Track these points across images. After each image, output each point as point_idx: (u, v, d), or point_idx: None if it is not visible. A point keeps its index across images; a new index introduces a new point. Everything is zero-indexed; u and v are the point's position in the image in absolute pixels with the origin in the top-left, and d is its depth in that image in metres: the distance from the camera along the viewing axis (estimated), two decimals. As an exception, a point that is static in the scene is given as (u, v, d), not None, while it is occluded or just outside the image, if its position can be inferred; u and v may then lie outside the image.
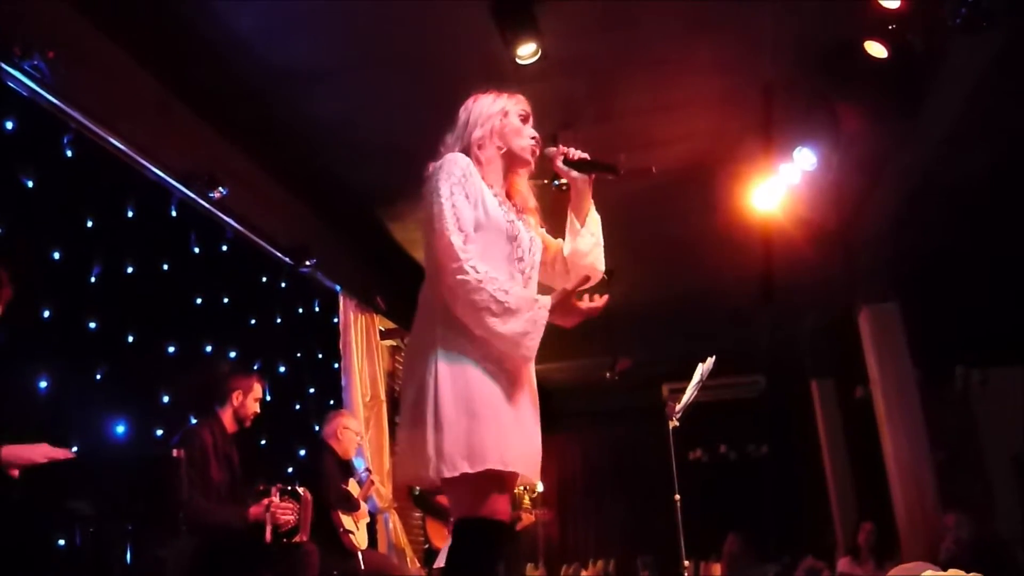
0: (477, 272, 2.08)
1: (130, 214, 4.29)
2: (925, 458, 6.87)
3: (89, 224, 3.97)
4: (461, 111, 2.42)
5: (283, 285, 5.92)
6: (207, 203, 4.66)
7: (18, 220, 3.50)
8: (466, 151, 2.32)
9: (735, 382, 10.07)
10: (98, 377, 3.90)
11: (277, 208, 5.61)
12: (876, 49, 4.29)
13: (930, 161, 5.36)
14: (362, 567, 4.85)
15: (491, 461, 2.05)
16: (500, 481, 2.11)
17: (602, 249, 2.46)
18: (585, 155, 2.37)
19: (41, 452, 2.71)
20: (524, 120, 2.40)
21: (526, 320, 2.11)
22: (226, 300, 5.13)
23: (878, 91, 4.51)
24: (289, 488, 3.84)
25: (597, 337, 8.27)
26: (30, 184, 3.57)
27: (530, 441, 2.22)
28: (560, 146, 2.37)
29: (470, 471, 2.03)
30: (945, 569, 3.94)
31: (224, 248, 5.12)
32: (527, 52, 4.35)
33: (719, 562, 8.21)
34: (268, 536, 3.63)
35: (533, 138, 2.39)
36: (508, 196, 2.38)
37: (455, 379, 2.10)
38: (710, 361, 4.31)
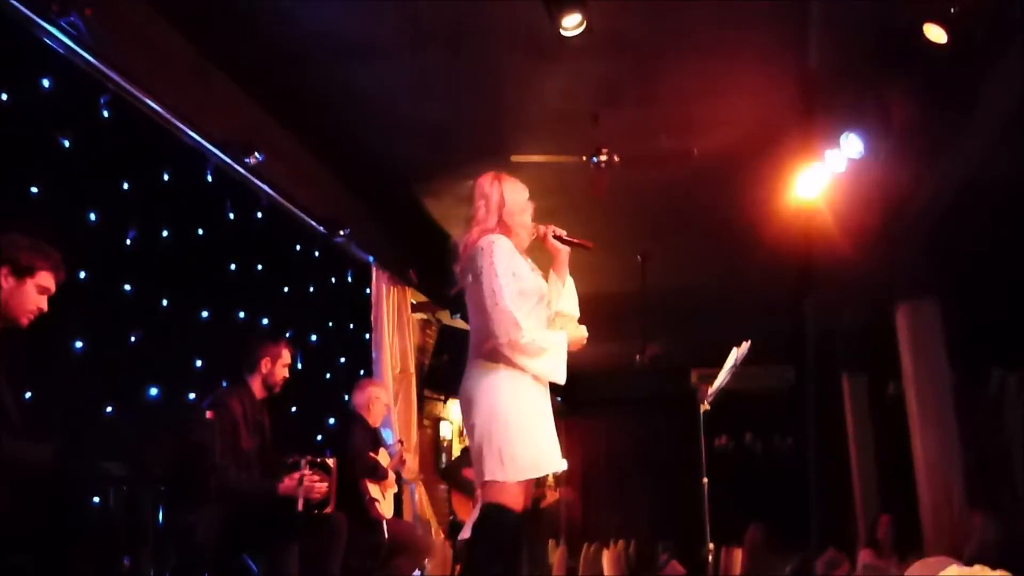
0: (530, 335, 2.85)
1: (166, 178, 4.29)
2: (955, 458, 6.77)
3: (125, 187, 3.97)
4: (488, 186, 3.09)
5: (316, 255, 5.94)
6: (243, 170, 4.66)
7: (54, 180, 3.51)
8: (500, 224, 3.02)
9: (765, 372, 9.97)
10: (132, 340, 3.92)
11: (312, 178, 5.61)
12: (935, 33, 4.07)
13: (982, 156, 5.20)
14: (387, 536, 4.89)
15: (531, 472, 2.87)
16: (523, 485, 2.86)
17: (575, 300, 3.19)
18: (563, 233, 3.14)
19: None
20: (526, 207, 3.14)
21: (558, 356, 2.93)
22: (260, 268, 5.14)
23: (934, 79, 4.34)
24: (319, 460, 3.85)
25: (627, 321, 8.22)
26: (67, 144, 3.56)
27: (555, 441, 2.96)
28: (551, 227, 3.13)
29: (512, 481, 2.80)
30: (970, 566, 3.89)
31: (259, 216, 5.13)
32: (572, 23, 4.21)
33: (740, 548, 8.16)
34: (300, 507, 3.65)
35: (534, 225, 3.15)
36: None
37: (503, 413, 2.85)
38: (745, 346, 4.27)
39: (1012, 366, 8.34)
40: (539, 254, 3.20)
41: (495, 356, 2.88)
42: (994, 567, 3.63)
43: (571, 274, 3.22)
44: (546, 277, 3.14)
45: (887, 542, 7.19)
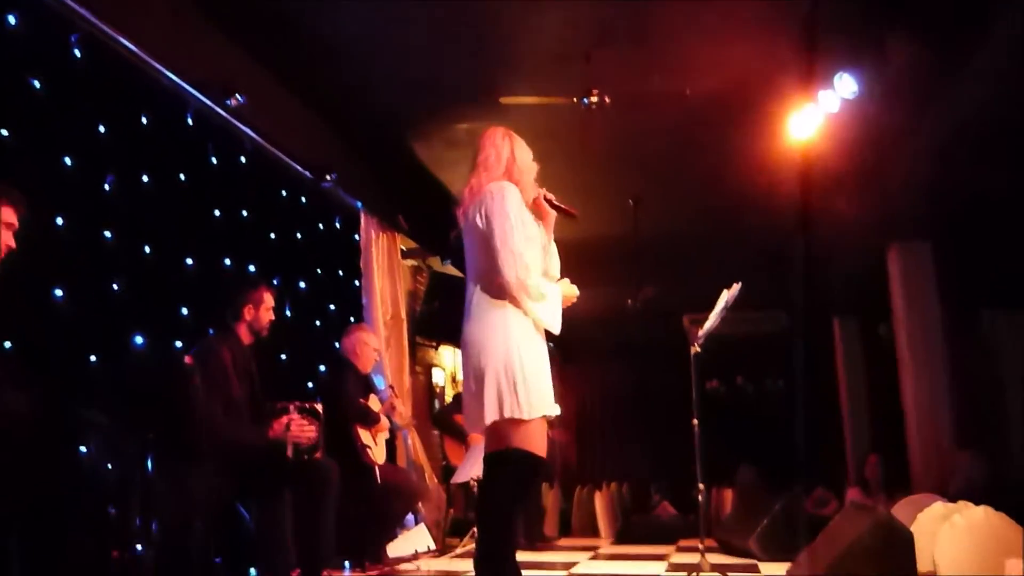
0: (535, 276, 2.93)
1: (144, 121, 4.18)
2: (944, 397, 6.83)
3: (101, 130, 3.87)
4: (500, 138, 3.13)
5: (303, 200, 5.86)
6: (225, 113, 4.55)
7: (26, 124, 3.40)
8: (506, 177, 3.05)
9: (757, 317, 9.98)
10: (115, 288, 3.86)
11: (296, 122, 5.50)
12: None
13: (980, 98, 5.11)
14: (379, 481, 4.91)
15: (545, 410, 2.87)
16: (543, 427, 2.91)
17: (558, 263, 3.20)
18: (552, 197, 3.16)
19: None
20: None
21: (556, 305, 3.00)
22: (245, 214, 5.07)
23: (931, 18, 4.24)
24: (307, 405, 3.83)
25: (619, 266, 8.19)
26: (37, 85, 3.45)
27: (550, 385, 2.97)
28: (542, 190, 3.15)
29: (527, 418, 2.82)
30: (955, 502, 3.93)
31: (243, 161, 5.04)
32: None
33: (731, 488, 8.28)
34: (289, 452, 3.65)
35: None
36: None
37: (528, 351, 2.87)
38: (736, 287, 4.25)
39: (1002, 307, 8.36)
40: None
41: (501, 297, 2.92)
42: (978, 504, 3.67)
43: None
44: None
45: (875, 481, 7.30)
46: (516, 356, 2.85)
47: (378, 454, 5.10)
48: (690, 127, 5.95)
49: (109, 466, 2.80)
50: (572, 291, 3.19)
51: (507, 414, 2.82)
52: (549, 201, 3.14)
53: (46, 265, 3.36)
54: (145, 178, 4.17)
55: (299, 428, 3.69)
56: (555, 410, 2.95)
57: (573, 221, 3.18)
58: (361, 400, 5.11)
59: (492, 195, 2.97)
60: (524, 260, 2.89)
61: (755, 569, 5.08)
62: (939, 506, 3.89)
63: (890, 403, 7.48)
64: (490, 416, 2.83)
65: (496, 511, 2.88)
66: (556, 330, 2.99)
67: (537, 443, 2.88)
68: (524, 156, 3.14)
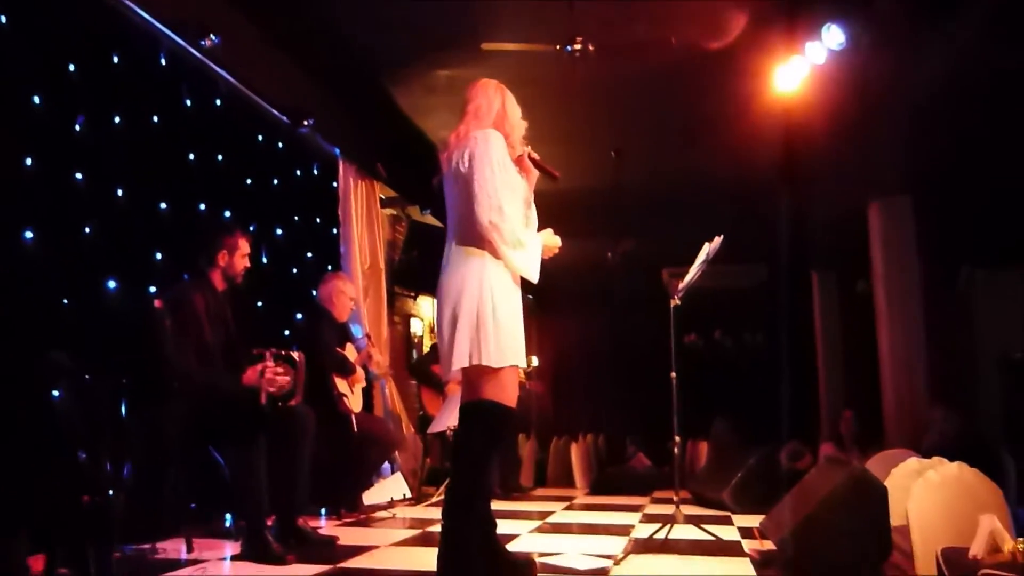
0: (512, 224, 2.91)
1: (116, 61, 4.07)
2: (919, 352, 6.88)
3: (71, 69, 3.75)
4: (492, 90, 3.13)
5: (280, 146, 5.75)
6: (199, 54, 4.43)
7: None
8: (498, 129, 3.05)
9: (736, 271, 10.00)
10: (87, 231, 3.78)
11: (273, 66, 5.36)
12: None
13: (966, 52, 5.07)
14: (355, 429, 4.91)
15: (513, 359, 2.88)
16: (515, 377, 2.91)
17: (536, 225, 3.19)
18: (536, 156, 3.17)
19: None
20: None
21: (534, 254, 2.99)
22: (220, 159, 4.96)
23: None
24: (283, 352, 3.79)
25: (600, 218, 8.15)
26: (3, 20, 3.33)
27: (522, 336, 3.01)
28: (529, 149, 3.17)
29: (496, 366, 2.84)
30: (928, 458, 3.97)
31: (217, 104, 4.92)
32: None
33: (706, 441, 8.35)
34: (263, 399, 3.62)
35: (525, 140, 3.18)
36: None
37: (502, 301, 2.88)
38: (717, 240, 4.23)
39: (980, 263, 8.42)
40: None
41: (479, 245, 2.92)
42: (952, 459, 3.70)
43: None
44: None
45: (849, 436, 7.39)
46: (488, 304, 2.85)
47: (354, 403, 5.10)
48: (674, 78, 5.87)
49: (79, 411, 2.76)
50: (554, 241, 3.19)
51: (475, 361, 2.84)
52: (533, 160, 3.15)
53: (15, 207, 3.27)
54: (117, 119, 4.06)
55: (272, 375, 3.65)
56: (523, 361, 2.95)
57: (559, 168, 3.18)
58: (338, 349, 5.08)
59: (477, 140, 2.98)
60: (498, 203, 2.89)
61: (728, 521, 5.15)
62: (913, 461, 3.92)
63: (866, 359, 7.55)
64: (459, 362, 2.85)
65: (467, 460, 2.90)
66: (533, 279, 2.99)
67: (508, 393, 2.90)
68: (514, 111, 3.15)
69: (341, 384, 4.99)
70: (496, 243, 2.90)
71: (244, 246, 3.96)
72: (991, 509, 2.88)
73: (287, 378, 3.72)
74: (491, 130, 3.03)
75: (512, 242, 2.91)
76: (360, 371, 5.20)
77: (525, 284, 3.06)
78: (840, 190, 7.46)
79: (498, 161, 2.94)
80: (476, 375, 2.89)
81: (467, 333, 2.85)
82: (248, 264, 4.00)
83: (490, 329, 2.83)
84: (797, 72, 5.27)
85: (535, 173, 3.16)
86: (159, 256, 4.28)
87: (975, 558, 2.66)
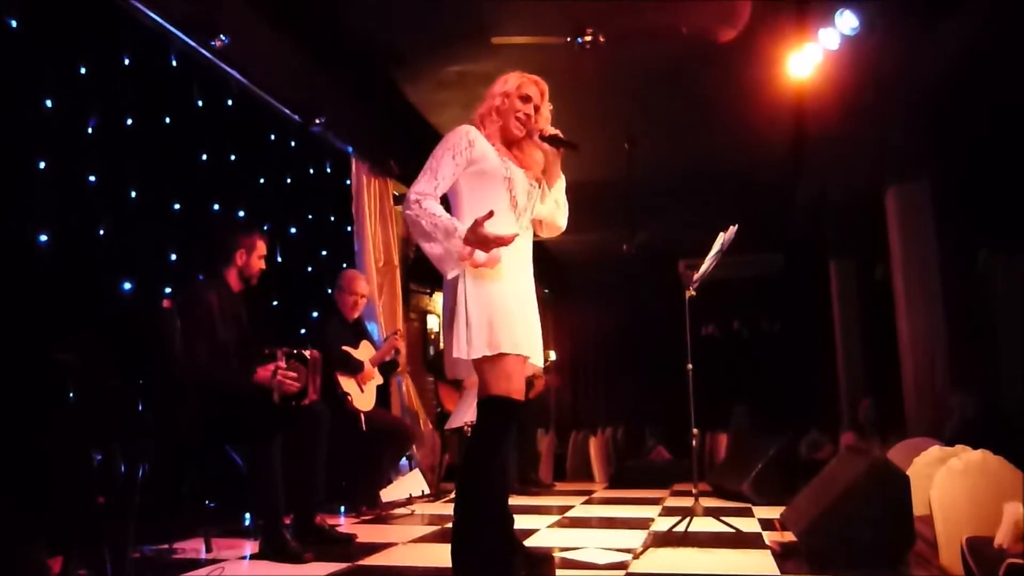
0: (420, 207, 2.77)
1: (127, 62, 4.07)
2: (939, 339, 6.81)
3: (83, 71, 3.76)
4: (496, 84, 3.05)
5: (292, 144, 5.75)
6: (209, 54, 4.43)
7: (5, 65, 3.30)
8: (497, 109, 3.00)
9: (752, 260, 9.93)
10: (101, 232, 3.79)
11: (284, 65, 5.36)
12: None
13: (982, 33, 4.99)
14: (364, 428, 4.90)
15: (505, 347, 2.77)
16: (517, 367, 2.82)
17: (561, 207, 3.12)
18: (557, 132, 3.03)
19: None
20: (525, 99, 3.01)
21: (443, 247, 2.77)
22: (233, 158, 4.97)
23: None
24: (295, 351, 3.78)
25: (614, 210, 8.10)
26: (15, 24, 3.34)
27: (533, 331, 2.95)
28: (539, 127, 3.03)
29: (490, 354, 2.76)
30: (951, 446, 3.91)
31: (229, 104, 4.92)
32: None
33: (725, 432, 8.31)
34: (276, 398, 3.62)
35: (524, 114, 3.01)
36: (521, 157, 3.04)
37: (479, 292, 2.80)
38: (732, 230, 4.18)
39: (999, 247, 8.30)
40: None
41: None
42: (975, 447, 3.65)
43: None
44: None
45: (868, 424, 7.32)
46: (462, 297, 2.79)
47: (364, 401, 5.07)
48: (686, 67, 5.82)
49: (94, 412, 2.76)
50: (552, 216, 3.07)
51: (456, 354, 2.79)
52: (546, 137, 3.00)
53: (29, 209, 3.28)
54: (129, 121, 4.07)
55: (283, 375, 3.65)
56: (524, 349, 2.83)
57: (575, 154, 3.01)
58: (343, 347, 5.07)
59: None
60: (423, 183, 2.80)
61: (749, 513, 5.11)
62: (935, 450, 3.87)
63: (885, 346, 7.47)
64: (454, 352, 2.81)
65: (473, 457, 2.87)
66: (440, 270, 2.84)
67: (509, 383, 2.79)
68: (495, 88, 3.04)
69: (346, 383, 4.97)
70: (410, 230, 2.85)
71: (261, 247, 3.97)
72: (1016, 497, 2.83)
73: (297, 385, 3.70)
74: (464, 125, 2.96)
75: (412, 223, 2.80)
76: (371, 369, 5.19)
77: (541, 277, 3.00)
78: (856, 176, 7.38)
79: (453, 144, 2.87)
80: (479, 366, 2.83)
81: (461, 325, 2.79)
82: (264, 266, 4.01)
83: (463, 322, 2.77)
84: (810, 58, 5.22)
85: (552, 152, 3.03)
86: (173, 256, 4.30)
87: (1000, 547, 2.61)
